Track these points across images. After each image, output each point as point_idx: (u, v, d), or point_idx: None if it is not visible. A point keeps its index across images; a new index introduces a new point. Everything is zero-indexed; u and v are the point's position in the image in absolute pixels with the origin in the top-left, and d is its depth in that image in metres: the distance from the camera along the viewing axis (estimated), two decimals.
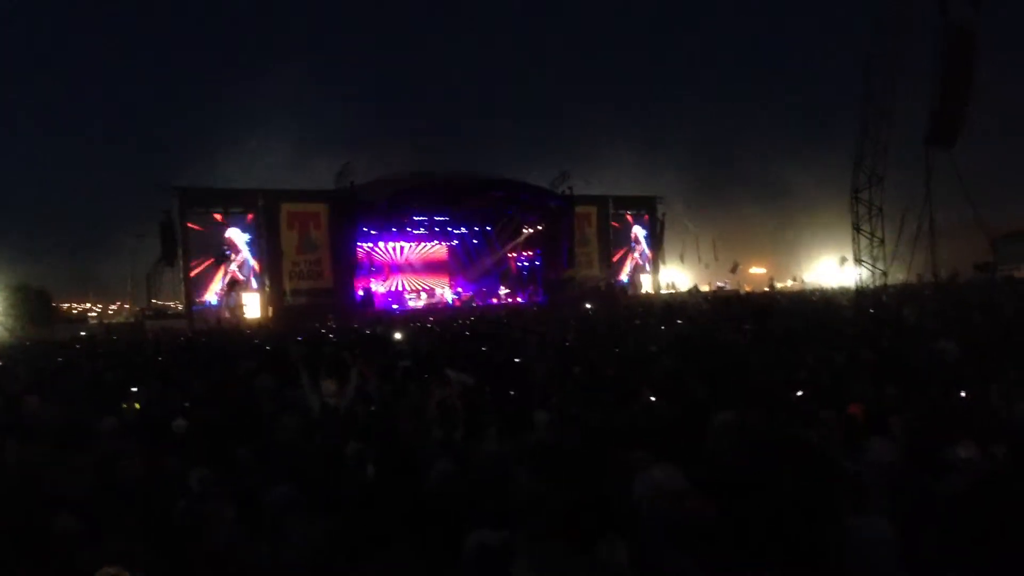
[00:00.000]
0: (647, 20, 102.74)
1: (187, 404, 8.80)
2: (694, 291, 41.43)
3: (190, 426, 7.20)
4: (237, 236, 34.81)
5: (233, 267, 34.52)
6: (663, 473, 4.32)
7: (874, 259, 28.96)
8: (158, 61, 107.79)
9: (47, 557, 4.14)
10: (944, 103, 25.08)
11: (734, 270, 49.34)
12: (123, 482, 5.46)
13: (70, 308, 51.45)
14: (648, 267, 47.98)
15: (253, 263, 35.19)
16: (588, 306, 32.33)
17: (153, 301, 36.91)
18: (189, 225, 33.39)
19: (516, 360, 12.24)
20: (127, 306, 43.29)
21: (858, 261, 29.54)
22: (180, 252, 33.21)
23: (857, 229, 29.13)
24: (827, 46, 71.56)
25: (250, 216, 35.00)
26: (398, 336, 17.04)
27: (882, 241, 28.67)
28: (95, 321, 39.07)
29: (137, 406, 9.00)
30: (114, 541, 4.06)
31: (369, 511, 4.61)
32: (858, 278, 29.75)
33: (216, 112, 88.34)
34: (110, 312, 49.94)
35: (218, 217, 34.39)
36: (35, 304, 35.47)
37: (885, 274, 28.93)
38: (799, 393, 7.69)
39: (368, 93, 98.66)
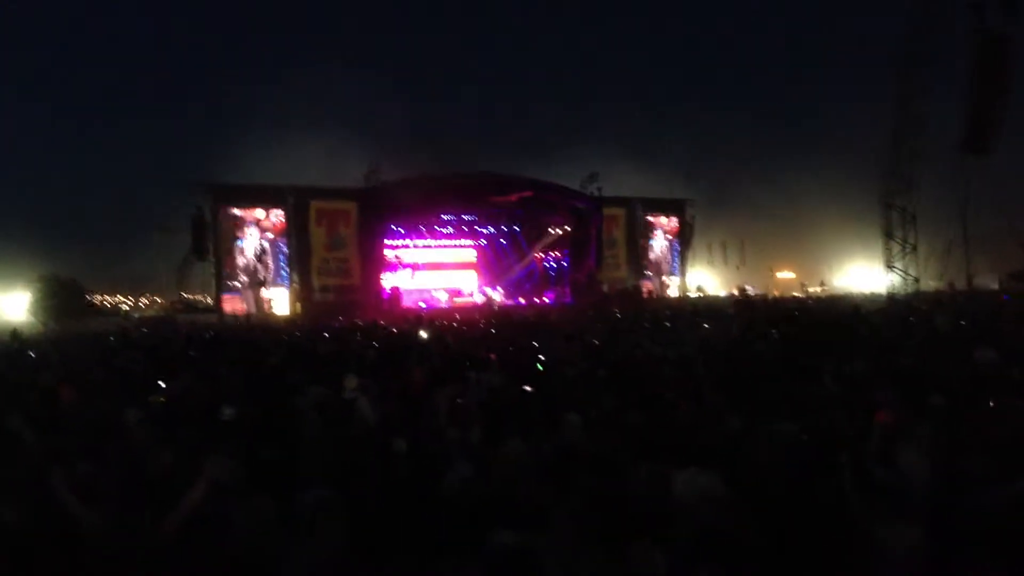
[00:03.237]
0: (677, 23, 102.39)
1: (220, 397, 8.84)
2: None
3: (225, 420, 7.21)
4: (250, 239, 35.03)
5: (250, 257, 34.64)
6: (703, 480, 4.30)
7: (906, 266, 28.57)
8: (190, 58, 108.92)
9: (73, 552, 4.15)
10: (978, 110, 24.67)
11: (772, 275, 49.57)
12: (153, 476, 5.49)
13: (102, 301, 52.17)
14: (676, 269, 47.65)
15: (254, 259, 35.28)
16: (614, 308, 32.21)
17: (183, 295, 37.32)
18: (220, 220, 33.75)
19: (541, 360, 12.21)
20: (158, 300, 43.75)
21: (888, 267, 29.14)
22: (211, 247, 33.54)
23: (889, 236, 28.74)
24: (859, 49, 70.56)
25: (268, 214, 35.20)
26: (423, 335, 17.10)
27: (914, 248, 28.28)
28: (125, 313, 39.47)
29: (162, 400, 9.05)
30: (141, 535, 4.09)
31: (389, 512, 4.61)
32: (889, 285, 29.36)
33: (249, 110, 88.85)
34: (141, 305, 50.52)
35: (241, 212, 34.58)
36: (67, 296, 35.77)
37: (917, 281, 28.54)
38: (825, 400, 7.60)
39: (397, 92, 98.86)
